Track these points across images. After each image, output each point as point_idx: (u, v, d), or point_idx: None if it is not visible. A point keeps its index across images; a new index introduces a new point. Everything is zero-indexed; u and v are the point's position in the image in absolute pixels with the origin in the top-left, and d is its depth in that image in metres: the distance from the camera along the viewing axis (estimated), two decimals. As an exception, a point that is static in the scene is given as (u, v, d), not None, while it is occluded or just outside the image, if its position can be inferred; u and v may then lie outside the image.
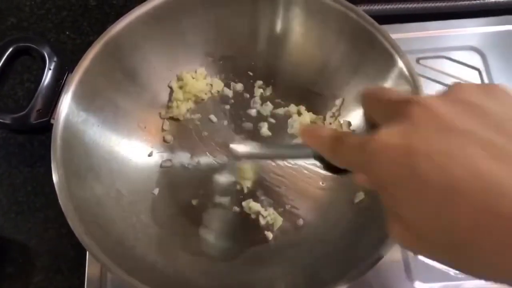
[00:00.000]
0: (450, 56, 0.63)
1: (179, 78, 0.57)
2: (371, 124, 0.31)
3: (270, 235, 0.51)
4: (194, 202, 0.53)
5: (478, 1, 0.65)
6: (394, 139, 0.25)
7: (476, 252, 0.23)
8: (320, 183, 0.53)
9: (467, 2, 0.65)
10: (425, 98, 0.26)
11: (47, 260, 0.53)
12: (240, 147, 0.46)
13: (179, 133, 0.56)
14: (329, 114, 0.55)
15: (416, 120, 0.25)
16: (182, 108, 0.56)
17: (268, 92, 0.58)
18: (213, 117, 0.57)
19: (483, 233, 0.22)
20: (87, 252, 0.50)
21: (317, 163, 0.35)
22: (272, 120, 0.57)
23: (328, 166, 0.34)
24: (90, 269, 0.50)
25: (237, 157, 0.46)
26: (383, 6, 0.65)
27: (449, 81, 0.61)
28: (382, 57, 0.49)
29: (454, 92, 0.26)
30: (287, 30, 0.55)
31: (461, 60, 0.63)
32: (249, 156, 0.46)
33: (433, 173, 0.23)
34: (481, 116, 0.24)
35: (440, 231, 0.24)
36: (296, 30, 0.55)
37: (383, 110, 0.29)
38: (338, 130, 0.32)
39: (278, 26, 0.55)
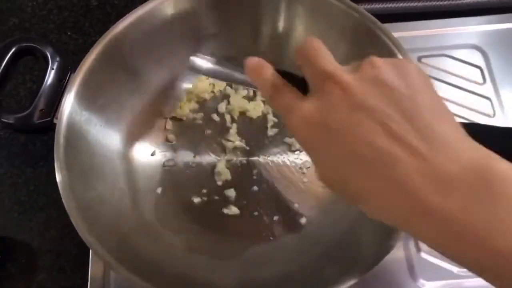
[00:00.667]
0: (452, 55, 0.63)
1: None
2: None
3: (273, 233, 0.51)
4: (196, 201, 0.53)
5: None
6: (312, 114, 0.29)
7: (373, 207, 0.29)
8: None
9: (469, 0, 0.65)
10: (342, 76, 0.29)
11: (50, 259, 0.53)
12: (200, 61, 0.45)
13: (182, 132, 0.56)
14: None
15: (333, 99, 0.28)
16: (185, 108, 0.56)
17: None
18: (215, 116, 0.58)
19: (376, 194, 0.27)
20: (90, 251, 0.50)
21: None
22: (275, 119, 0.58)
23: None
24: (93, 268, 0.50)
25: (193, 69, 0.44)
26: (384, 5, 0.65)
27: (451, 79, 0.61)
28: (384, 55, 0.47)
29: (367, 67, 0.29)
30: (289, 29, 0.55)
31: (462, 58, 0.63)
32: (206, 72, 0.45)
33: (340, 146, 0.28)
34: (387, 95, 0.27)
35: (347, 187, 0.29)
36: (298, 29, 0.55)
37: (311, 77, 0.31)
38: (276, 75, 0.33)
39: (280, 25, 0.55)
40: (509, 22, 0.65)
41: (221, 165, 0.54)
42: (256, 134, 0.57)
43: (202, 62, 0.44)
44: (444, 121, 0.27)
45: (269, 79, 0.33)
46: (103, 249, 0.41)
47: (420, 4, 0.65)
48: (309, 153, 0.31)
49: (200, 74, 0.48)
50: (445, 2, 0.65)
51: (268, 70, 0.34)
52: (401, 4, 0.65)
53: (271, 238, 0.51)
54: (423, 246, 0.51)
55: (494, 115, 0.59)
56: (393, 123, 0.26)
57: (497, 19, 0.65)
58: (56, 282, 0.52)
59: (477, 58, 0.62)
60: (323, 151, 0.30)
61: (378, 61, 0.29)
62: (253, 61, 0.35)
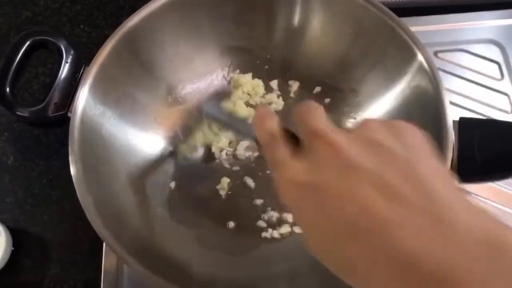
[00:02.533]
0: (469, 49, 0.62)
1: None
2: None
3: (283, 230, 0.51)
4: (210, 195, 0.53)
5: (497, -7, 0.64)
6: (299, 176, 0.27)
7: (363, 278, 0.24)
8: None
9: (486, -6, 0.64)
10: (332, 135, 0.27)
11: (63, 252, 0.53)
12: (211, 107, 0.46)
13: (197, 127, 0.56)
14: (346, 109, 0.55)
15: (321, 158, 0.26)
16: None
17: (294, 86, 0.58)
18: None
19: (371, 269, 0.23)
20: (104, 245, 0.50)
21: None
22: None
23: None
24: (107, 261, 0.50)
25: (205, 114, 0.46)
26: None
27: (468, 75, 0.61)
28: (401, 50, 0.48)
29: (361, 129, 0.27)
30: (304, 23, 0.54)
31: (480, 53, 0.62)
32: (216, 119, 0.45)
33: (328, 211, 0.25)
34: (381, 155, 0.25)
35: (336, 261, 0.25)
36: (314, 23, 0.54)
37: (303, 136, 0.30)
38: (278, 129, 0.31)
39: (296, 19, 0.54)
40: (528, 17, 0.64)
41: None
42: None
43: (213, 109, 0.46)
44: (448, 186, 0.24)
45: (271, 130, 0.31)
46: (117, 243, 0.41)
47: (437, -2, 0.64)
48: (296, 217, 0.29)
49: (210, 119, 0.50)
50: (462, -4, 0.64)
51: (274, 122, 0.32)
52: (417, -1, 0.64)
53: (284, 235, 0.51)
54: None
55: (511, 111, 0.58)
56: (390, 184, 0.24)
57: (515, 13, 0.64)
58: (69, 275, 0.52)
59: (495, 53, 0.62)
60: (310, 216, 0.26)
61: (373, 122, 0.28)
62: (263, 109, 0.34)
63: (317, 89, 0.57)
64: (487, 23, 0.63)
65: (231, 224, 0.51)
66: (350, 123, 0.55)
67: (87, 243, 0.53)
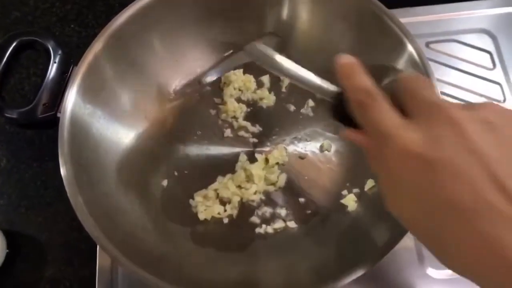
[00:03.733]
0: (461, 40, 0.62)
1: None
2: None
3: (277, 225, 0.51)
4: (204, 193, 0.52)
5: (487, -18, 0.64)
6: (416, 146, 0.26)
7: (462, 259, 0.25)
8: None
9: (476, -16, 0.63)
10: (453, 110, 0.26)
11: (58, 253, 0.53)
12: (258, 46, 0.41)
13: (190, 123, 0.56)
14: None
15: (442, 133, 0.25)
16: None
17: (286, 81, 0.58)
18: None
19: (466, 250, 0.24)
20: (98, 245, 0.49)
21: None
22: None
23: (339, 113, 0.33)
24: (101, 261, 0.50)
25: (250, 54, 0.41)
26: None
27: (460, 65, 0.60)
28: (391, 42, 0.48)
29: (481, 109, 0.26)
30: (294, 16, 0.54)
31: (471, 43, 0.61)
32: (262, 59, 0.41)
33: (437, 187, 0.25)
34: (502, 144, 0.25)
35: (426, 232, 0.27)
36: (303, 16, 0.54)
37: (413, 104, 0.28)
38: (374, 86, 0.29)
39: (285, 12, 0.54)
40: (518, 5, 0.63)
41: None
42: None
43: (265, 49, 0.41)
44: None
45: (366, 86, 0.29)
46: (110, 243, 0.41)
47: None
48: (392, 187, 0.28)
49: (260, 63, 0.42)
50: (453, -14, 0.64)
51: (365, 75, 0.30)
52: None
53: (278, 230, 0.51)
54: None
55: (504, 100, 0.58)
56: (506, 176, 0.24)
57: (506, 2, 0.64)
58: (65, 276, 0.52)
59: (487, 43, 0.61)
60: (411, 188, 0.26)
61: (495, 106, 0.27)
62: (347, 59, 0.31)
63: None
64: (478, 12, 0.63)
65: (225, 220, 0.51)
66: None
67: (82, 243, 0.53)
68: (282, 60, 0.40)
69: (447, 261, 0.26)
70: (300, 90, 0.55)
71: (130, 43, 0.50)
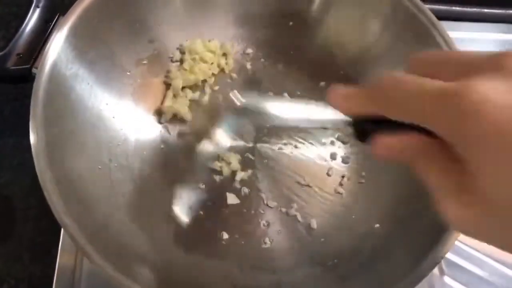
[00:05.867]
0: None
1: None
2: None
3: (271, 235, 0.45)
4: (190, 187, 0.47)
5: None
6: (501, 96, 0.20)
7: None
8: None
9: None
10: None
11: (4, 245, 0.47)
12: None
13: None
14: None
15: None
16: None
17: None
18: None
19: None
20: (61, 236, 0.44)
21: None
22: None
23: (359, 131, 0.28)
24: (63, 257, 0.44)
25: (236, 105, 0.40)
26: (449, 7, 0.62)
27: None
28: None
29: None
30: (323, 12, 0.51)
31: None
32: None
33: None
34: None
35: None
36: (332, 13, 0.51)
37: (453, 69, 0.23)
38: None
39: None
40: None
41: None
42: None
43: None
44: None
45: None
46: (81, 234, 0.35)
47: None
48: (476, 160, 0.21)
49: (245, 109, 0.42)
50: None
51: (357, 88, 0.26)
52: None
53: (269, 241, 0.45)
54: (446, 269, 0.48)
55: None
56: None
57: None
58: (11, 273, 0.46)
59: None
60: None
61: None
62: (338, 90, 0.27)
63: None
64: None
65: (201, 213, 0.46)
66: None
67: (37, 234, 0.47)
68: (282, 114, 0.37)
69: None
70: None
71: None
